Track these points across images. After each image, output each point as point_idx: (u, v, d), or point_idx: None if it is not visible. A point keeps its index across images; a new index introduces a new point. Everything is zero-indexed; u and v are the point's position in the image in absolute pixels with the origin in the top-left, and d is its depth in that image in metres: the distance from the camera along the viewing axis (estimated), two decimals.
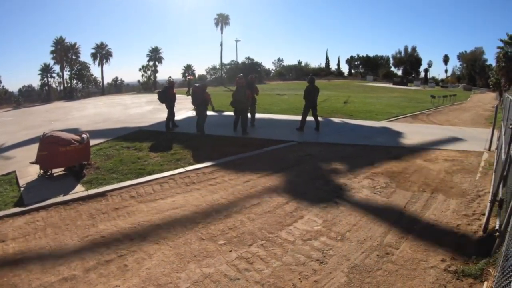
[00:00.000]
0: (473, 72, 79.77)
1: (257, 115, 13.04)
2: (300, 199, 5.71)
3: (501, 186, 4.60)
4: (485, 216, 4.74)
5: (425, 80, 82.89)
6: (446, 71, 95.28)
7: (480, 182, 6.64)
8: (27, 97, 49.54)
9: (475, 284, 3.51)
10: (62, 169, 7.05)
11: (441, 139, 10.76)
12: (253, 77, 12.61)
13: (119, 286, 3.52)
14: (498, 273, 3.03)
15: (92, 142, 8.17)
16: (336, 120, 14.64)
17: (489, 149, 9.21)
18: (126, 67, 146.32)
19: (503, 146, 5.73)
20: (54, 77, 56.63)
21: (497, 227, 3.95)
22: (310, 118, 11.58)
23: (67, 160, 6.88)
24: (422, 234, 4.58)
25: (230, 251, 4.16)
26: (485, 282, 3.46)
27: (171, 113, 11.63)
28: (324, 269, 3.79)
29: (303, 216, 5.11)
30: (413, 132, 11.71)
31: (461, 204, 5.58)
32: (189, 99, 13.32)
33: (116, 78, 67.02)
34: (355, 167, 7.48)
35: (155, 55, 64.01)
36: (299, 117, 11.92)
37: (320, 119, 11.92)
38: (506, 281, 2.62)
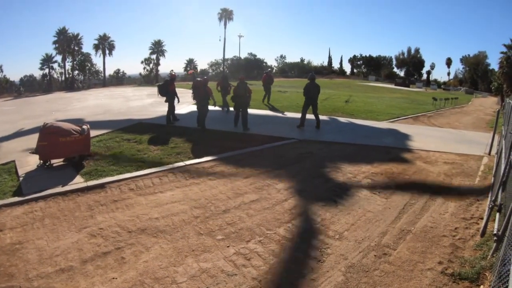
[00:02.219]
0: (475, 76, 79.39)
1: (258, 112, 12.99)
2: (299, 197, 5.72)
3: (500, 191, 4.60)
4: (483, 220, 4.75)
5: (427, 82, 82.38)
6: (448, 74, 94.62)
7: (479, 186, 6.64)
8: (28, 86, 49.37)
9: (471, 287, 3.52)
10: (62, 159, 7.05)
11: (441, 141, 10.76)
12: (243, 76, 12.35)
13: (116, 278, 3.52)
14: (494, 277, 3.04)
15: (93, 133, 8.15)
16: (337, 118, 14.61)
17: (489, 154, 9.21)
18: (128, 59, 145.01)
19: (503, 151, 5.73)
20: (55, 68, 56.61)
21: (495, 232, 3.95)
22: (311, 116, 11.54)
23: (67, 151, 6.87)
24: (419, 235, 4.59)
25: (228, 246, 4.16)
26: (481, 286, 3.47)
27: (171, 107, 11.59)
28: (321, 267, 3.80)
29: (302, 213, 5.12)
30: (413, 134, 11.69)
31: (460, 207, 5.59)
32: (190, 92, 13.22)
33: (118, 70, 67.05)
34: (355, 166, 7.48)
35: (157, 48, 63.74)
36: (300, 115, 11.90)
37: (322, 117, 11.86)
38: (503, 286, 2.62)
